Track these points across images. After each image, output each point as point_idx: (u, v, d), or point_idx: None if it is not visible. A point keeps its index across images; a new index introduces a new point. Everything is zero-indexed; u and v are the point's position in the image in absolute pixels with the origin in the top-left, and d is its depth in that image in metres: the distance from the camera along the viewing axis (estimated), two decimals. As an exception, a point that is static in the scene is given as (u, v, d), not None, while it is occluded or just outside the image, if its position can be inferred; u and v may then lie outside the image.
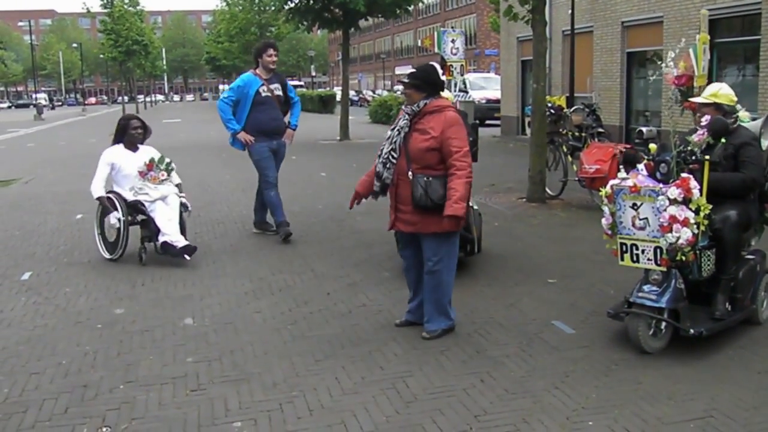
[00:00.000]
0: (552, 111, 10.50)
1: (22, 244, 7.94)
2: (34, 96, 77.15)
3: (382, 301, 5.65)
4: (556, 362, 4.37)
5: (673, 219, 4.23)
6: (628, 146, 9.27)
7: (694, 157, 4.52)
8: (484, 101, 25.89)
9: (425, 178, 4.57)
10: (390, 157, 4.70)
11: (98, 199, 7.03)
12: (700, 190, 4.31)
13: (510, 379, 4.13)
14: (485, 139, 15.75)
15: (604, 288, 5.83)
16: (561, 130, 10.53)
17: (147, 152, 7.13)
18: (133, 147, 7.14)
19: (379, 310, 5.41)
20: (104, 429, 3.64)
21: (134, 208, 6.96)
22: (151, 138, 7.39)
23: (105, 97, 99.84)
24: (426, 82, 4.66)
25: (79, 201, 10.75)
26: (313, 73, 74.75)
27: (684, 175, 4.33)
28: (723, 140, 4.63)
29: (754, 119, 5.16)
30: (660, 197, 4.28)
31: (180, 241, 6.82)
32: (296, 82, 64.09)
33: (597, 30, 17.85)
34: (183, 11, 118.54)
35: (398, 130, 4.69)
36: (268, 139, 7.75)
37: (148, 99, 76.86)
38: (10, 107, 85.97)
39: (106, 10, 45.16)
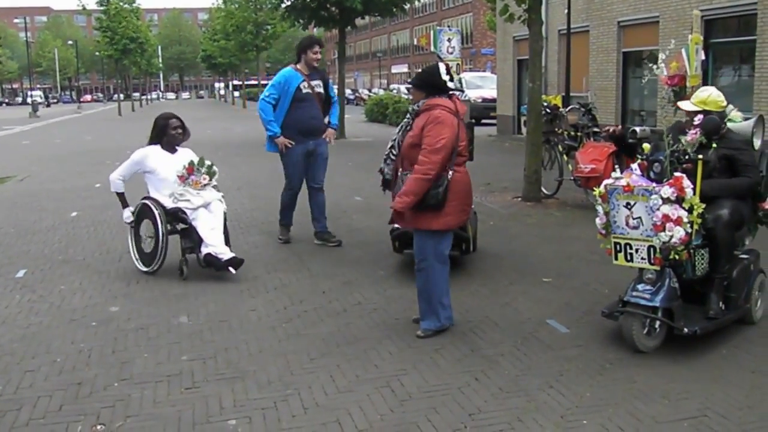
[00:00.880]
0: (548, 110, 10.50)
1: (16, 242, 7.92)
2: (29, 93, 76.99)
3: (377, 299, 5.65)
4: (550, 361, 4.37)
5: (666, 218, 4.24)
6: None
7: (687, 157, 4.56)
8: (480, 100, 25.89)
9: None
10: (390, 154, 4.86)
11: (118, 195, 6.60)
12: (693, 189, 4.33)
13: (504, 378, 4.14)
14: (481, 138, 15.74)
15: (599, 287, 5.85)
16: (557, 129, 10.53)
17: (186, 154, 6.53)
18: (171, 149, 6.54)
19: (374, 309, 5.42)
20: (99, 427, 3.63)
21: (174, 216, 6.30)
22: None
23: (101, 95, 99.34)
24: (425, 82, 4.75)
25: (75, 199, 10.74)
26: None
27: (677, 174, 4.35)
28: (714, 146, 4.65)
29: (746, 119, 5.18)
30: (653, 196, 4.29)
31: (225, 254, 6.16)
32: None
33: (593, 29, 17.88)
34: (179, 9, 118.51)
35: (401, 127, 4.83)
36: (305, 140, 7.25)
37: (144, 97, 76.66)
38: (1, 104, 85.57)
39: (101, 8, 45.02)
